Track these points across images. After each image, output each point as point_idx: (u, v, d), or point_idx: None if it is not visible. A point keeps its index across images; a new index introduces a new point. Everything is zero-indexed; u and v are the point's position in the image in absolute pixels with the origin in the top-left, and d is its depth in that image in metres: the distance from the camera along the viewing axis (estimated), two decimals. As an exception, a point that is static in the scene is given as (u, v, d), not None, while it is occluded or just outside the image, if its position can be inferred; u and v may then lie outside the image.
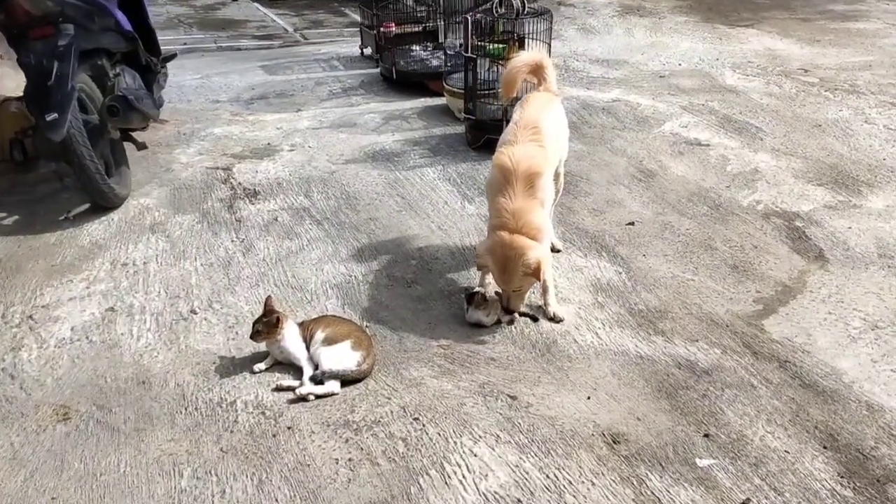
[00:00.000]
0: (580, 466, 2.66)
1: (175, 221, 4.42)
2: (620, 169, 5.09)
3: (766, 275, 3.84)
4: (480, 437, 2.80)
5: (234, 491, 2.58)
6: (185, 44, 8.62)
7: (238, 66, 7.82)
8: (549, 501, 2.52)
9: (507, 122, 3.89)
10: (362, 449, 2.75)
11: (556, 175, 3.87)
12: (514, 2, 5.01)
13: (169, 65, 5.70)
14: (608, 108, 6.19)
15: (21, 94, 4.27)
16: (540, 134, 3.55)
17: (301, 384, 3.05)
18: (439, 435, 2.81)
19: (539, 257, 3.31)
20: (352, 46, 8.29)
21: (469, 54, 5.26)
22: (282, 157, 5.36)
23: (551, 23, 5.19)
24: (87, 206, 4.52)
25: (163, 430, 2.86)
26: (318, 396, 3.00)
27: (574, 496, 2.54)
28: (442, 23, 7.11)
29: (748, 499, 2.52)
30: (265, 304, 3.20)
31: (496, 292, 3.55)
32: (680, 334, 3.39)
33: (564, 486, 2.58)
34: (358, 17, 8.28)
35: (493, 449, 2.74)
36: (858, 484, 2.59)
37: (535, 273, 3.32)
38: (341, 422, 2.88)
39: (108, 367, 3.21)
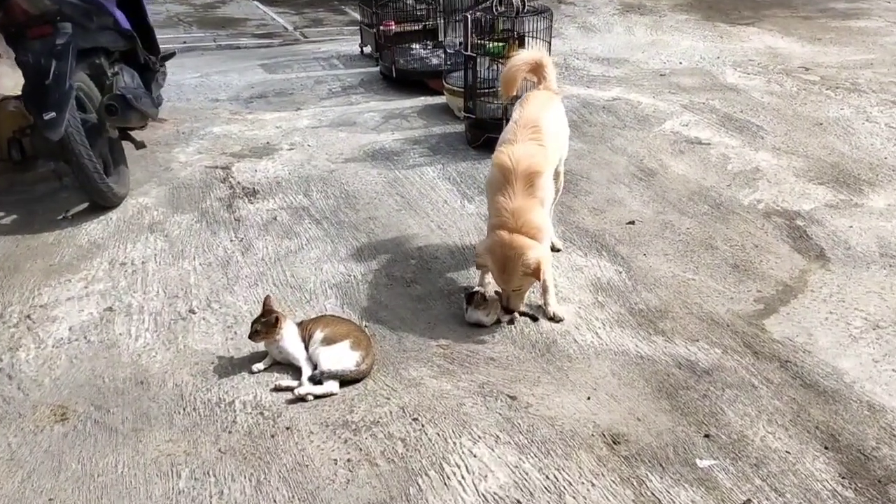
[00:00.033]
0: (580, 467, 2.65)
1: (174, 221, 4.41)
2: (621, 168, 5.08)
3: (767, 274, 3.83)
4: (480, 437, 2.79)
5: (232, 492, 2.57)
6: (184, 42, 8.61)
7: (237, 64, 7.81)
8: (548, 502, 2.51)
9: (507, 120, 3.88)
10: (361, 449, 2.74)
11: (556, 174, 3.85)
12: (513, 0, 4.99)
13: (168, 63, 5.69)
14: (608, 106, 6.17)
15: (19, 92, 4.25)
16: (540, 133, 3.53)
17: (300, 384, 3.04)
18: (438, 435, 2.80)
19: (539, 257, 3.30)
20: (352, 45, 8.28)
21: (469, 53, 5.24)
22: (281, 156, 5.34)
23: (551, 21, 5.17)
24: (85, 205, 4.51)
25: (161, 431, 2.85)
26: (316, 396, 2.99)
27: (574, 497, 2.53)
28: (442, 21, 7.10)
29: (749, 500, 2.51)
30: (264, 304, 3.19)
31: (496, 292, 3.54)
32: (680, 334, 3.38)
33: (564, 487, 2.57)
34: (358, 16, 8.27)
35: (493, 449, 2.73)
36: (860, 485, 2.57)
37: (535, 273, 3.31)
38: (340, 422, 2.87)
39: (106, 368, 3.20)
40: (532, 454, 2.71)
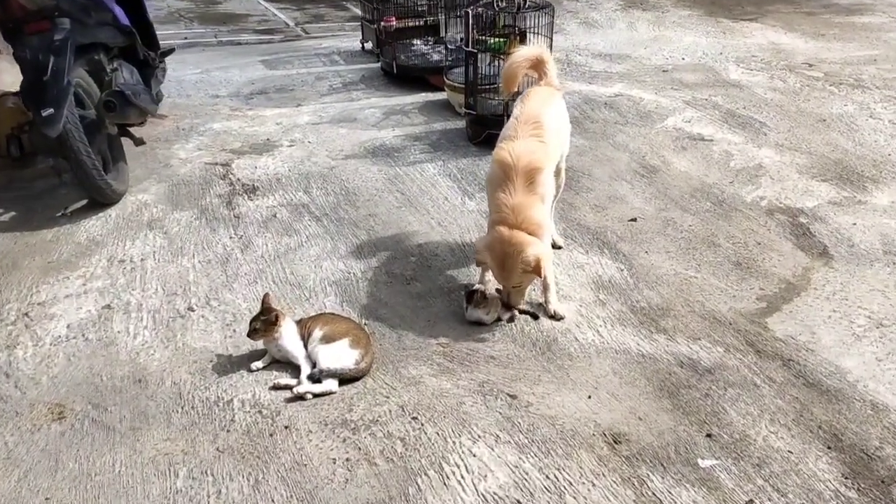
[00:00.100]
0: (581, 467, 2.63)
1: (173, 218, 4.39)
2: (622, 164, 5.05)
3: (770, 272, 3.80)
4: (480, 436, 2.77)
5: (230, 491, 2.55)
6: (185, 38, 8.58)
7: (238, 60, 7.78)
8: (549, 502, 2.49)
9: (508, 117, 3.85)
10: (360, 448, 2.72)
11: (558, 171, 3.83)
12: (515, -4, 4.97)
13: (169, 59, 5.67)
14: (610, 102, 6.14)
15: (18, 89, 4.23)
16: (541, 129, 3.51)
17: (299, 383, 3.02)
18: (438, 434, 2.78)
19: (538, 254, 3.27)
20: (353, 41, 8.24)
21: (470, 49, 5.21)
22: (281, 153, 5.32)
23: (553, 17, 5.14)
24: (84, 202, 4.49)
25: (159, 430, 2.83)
26: (315, 395, 2.97)
27: (574, 497, 2.51)
28: (443, 17, 7.06)
29: (751, 500, 2.49)
30: (263, 302, 3.17)
31: (497, 289, 3.51)
32: (682, 332, 3.35)
33: (565, 487, 2.55)
34: (359, 12, 8.24)
35: (493, 449, 2.71)
36: (863, 485, 2.56)
37: (535, 270, 3.28)
38: (339, 421, 2.85)
39: (104, 366, 3.18)
40: (532, 454, 2.69)
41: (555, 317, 3.46)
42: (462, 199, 4.61)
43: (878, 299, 3.56)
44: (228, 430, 2.82)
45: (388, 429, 2.81)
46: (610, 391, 3.00)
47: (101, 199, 4.44)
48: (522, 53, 3.94)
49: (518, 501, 2.50)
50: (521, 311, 3.49)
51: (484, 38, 5.20)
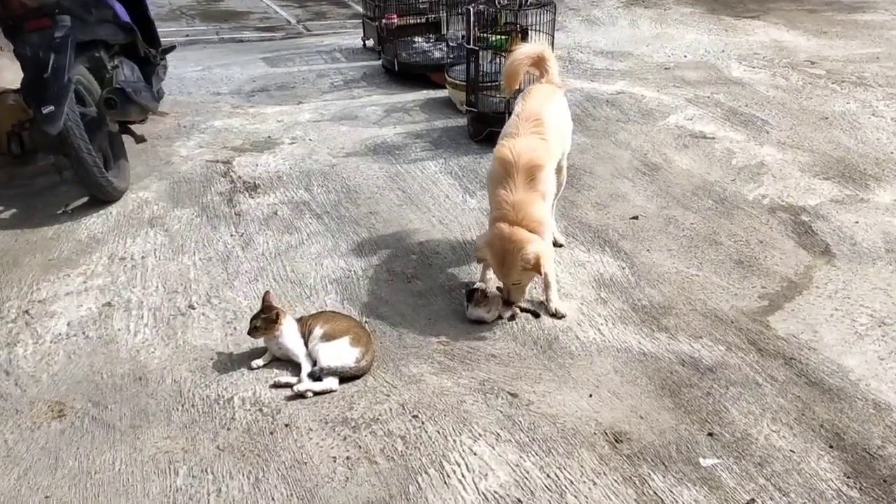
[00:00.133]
0: (581, 466, 2.62)
1: (174, 215, 4.38)
2: (624, 162, 5.04)
3: (772, 270, 3.79)
4: (480, 435, 2.76)
5: (231, 490, 2.55)
6: (187, 35, 8.58)
7: (240, 57, 7.78)
8: (549, 501, 2.48)
9: (510, 114, 3.84)
10: (360, 447, 2.71)
11: (559, 168, 3.82)
12: (516, -7, 4.96)
13: (170, 56, 5.67)
14: (612, 100, 6.12)
15: (19, 86, 4.22)
16: (542, 126, 3.50)
17: (299, 381, 3.01)
18: (438, 433, 2.77)
19: (538, 251, 3.26)
20: (354, 38, 8.24)
21: (471, 46, 5.20)
22: (282, 150, 5.31)
23: (554, 14, 5.13)
24: (85, 199, 4.49)
25: (159, 428, 2.83)
26: (316, 393, 2.96)
27: (575, 496, 2.50)
28: (444, 14, 7.06)
29: (752, 499, 2.48)
30: (263, 300, 3.16)
31: (497, 287, 3.51)
32: (684, 331, 3.34)
33: (565, 486, 2.54)
34: (360, 9, 8.22)
35: (494, 447, 2.70)
36: (865, 484, 2.54)
37: (535, 267, 3.27)
38: (339, 419, 2.84)
39: (104, 363, 3.18)
40: (533, 452, 2.68)
41: (556, 315, 3.45)
42: (463, 196, 4.60)
43: (881, 298, 3.55)
44: (229, 428, 2.81)
45: (388, 427, 2.80)
46: (611, 390, 2.99)
47: (101, 197, 4.44)
48: (524, 51, 3.93)
49: (519, 500, 2.49)
50: (523, 310, 3.48)
51: (485, 35, 5.18)
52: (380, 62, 7.21)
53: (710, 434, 2.76)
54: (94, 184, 4.30)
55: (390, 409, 2.89)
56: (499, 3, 5.07)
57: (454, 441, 2.73)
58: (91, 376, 3.10)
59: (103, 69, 4.57)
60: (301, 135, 5.59)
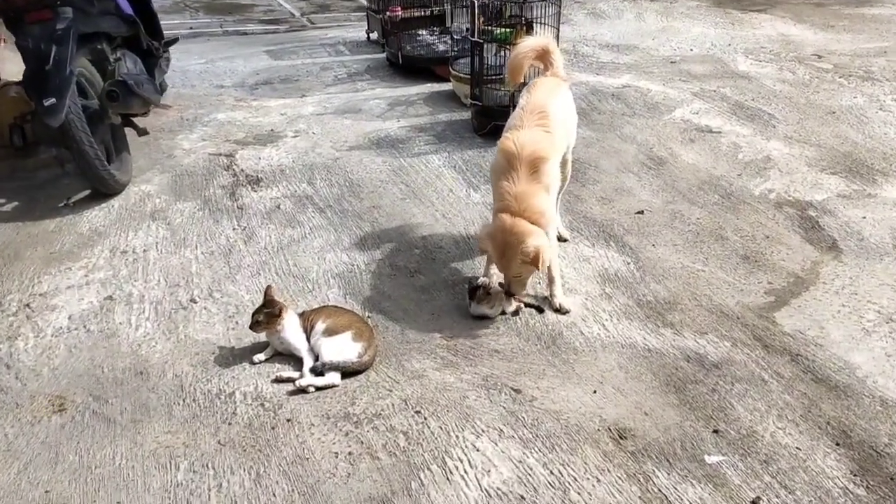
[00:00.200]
0: (585, 462, 2.60)
1: (176, 209, 4.37)
2: (630, 156, 5.00)
3: (778, 266, 3.76)
4: (483, 431, 2.74)
5: (231, 485, 2.53)
6: (190, 28, 8.56)
7: (243, 50, 7.75)
8: (553, 498, 2.46)
9: (514, 107, 3.81)
10: (362, 442, 2.69)
11: (564, 162, 3.78)
12: (521, -15, 4.92)
13: (173, 49, 5.65)
14: (618, 93, 6.08)
15: (21, 78, 4.20)
16: (547, 119, 3.47)
17: (301, 375, 2.99)
18: (441, 429, 2.75)
19: (539, 245, 3.22)
20: (358, 31, 8.21)
21: (476, 39, 5.17)
22: (285, 144, 5.29)
23: (560, 7, 5.10)
24: (87, 192, 4.47)
25: (160, 422, 2.81)
26: (318, 388, 2.94)
27: (579, 493, 2.48)
28: (449, 7, 7.02)
29: (758, 497, 2.46)
30: (265, 294, 3.14)
31: (499, 283, 3.48)
32: (689, 326, 3.32)
33: (569, 483, 2.52)
34: (364, 2, 8.19)
35: (496, 443, 2.68)
36: (872, 482, 2.52)
37: (534, 261, 3.22)
38: (341, 414, 2.82)
39: (105, 357, 3.16)
40: (536, 449, 2.66)
41: (560, 310, 3.42)
42: (467, 190, 4.58)
43: (888, 294, 3.51)
44: (230, 423, 2.79)
45: (390, 423, 2.78)
46: (615, 386, 2.97)
47: (103, 190, 4.42)
48: (528, 44, 3.90)
49: (522, 497, 2.47)
50: (527, 305, 3.46)
51: (490, 28, 5.15)
52: (384, 55, 7.18)
53: (716, 431, 2.73)
54: (96, 177, 4.28)
55: (393, 405, 2.87)
56: (503, -5, 5.05)
57: (457, 437, 2.71)
58: (92, 370, 3.09)
59: (105, 61, 4.56)
60: (304, 128, 5.57)
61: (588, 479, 2.53)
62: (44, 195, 4.52)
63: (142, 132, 4.93)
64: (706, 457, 2.62)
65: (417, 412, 2.83)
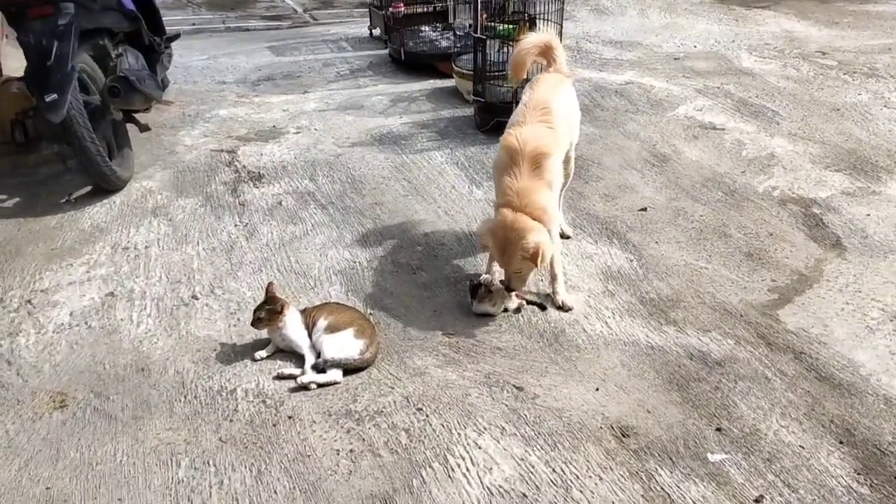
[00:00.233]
0: (588, 460, 2.59)
1: (178, 205, 4.36)
2: (633, 153, 4.98)
3: (782, 263, 3.74)
4: (485, 428, 2.73)
5: (233, 482, 2.53)
6: (193, 24, 8.55)
7: (245, 46, 7.74)
8: (555, 496, 2.45)
9: (517, 104, 3.80)
10: (364, 440, 2.69)
11: (567, 159, 3.77)
12: (524, -19, 4.90)
13: (176, 45, 5.64)
14: (621, 90, 6.06)
15: (22, 74, 4.20)
16: (550, 115, 3.45)
17: (303, 372, 2.99)
18: (443, 426, 2.74)
19: (539, 242, 3.20)
20: (361, 27, 8.20)
21: (479, 35, 5.15)
22: (287, 140, 5.27)
23: (563, 3, 5.08)
24: (88, 188, 4.47)
25: (161, 419, 2.81)
26: (319, 385, 2.94)
27: (581, 491, 2.47)
28: (452, 3, 7.00)
29: (761, 495, 2.45)
30: (267, 291, 3.13)
31: (501, 280, 3.46)
32: (692, 324, 3.30)
33: (571, 481, 2.51)
34: (367, -2, 8.18)
35: (498, 441, 2.67)
36: (875, 481, 2.51)
37: (533, 258, 3.20)
38: (343, 411, 2.81)
39: (106, 354, 3.16)
40: (538, 446, 2.65)
41: (563, 307, 3.41)
42: (469, 187, 4.56)
43: (893, 291, 3.50)
44: (231, 420, 2.79)
45: (392, 420, 2.77)
46: (618, 383, 2.96)
47: (105, 186, 4.41)
48: (531, 40, 3.88)
49: (524, 495, 2.46)
50: (529, 302, 3.45)
51: (493, 24, 5.13)
52: (386, 51, 7.17)
53: (719, 429, 2.72)
54: (97, 173, 4.28)
55: (394, 402, 2.86)
56: (506, -9, 5.03)
57: (459, 434, 2.70)
58: (93, 367, 3.08)
59: (107, 57, 4.55)
60: (306, 124, 5.56)
61: (590, 477, 2.52)
62: (45, 191, 4.51)
63: (143, 128, 4.92)
64: (709, 455, 2.61)
65: (419, 409, 2.82)
